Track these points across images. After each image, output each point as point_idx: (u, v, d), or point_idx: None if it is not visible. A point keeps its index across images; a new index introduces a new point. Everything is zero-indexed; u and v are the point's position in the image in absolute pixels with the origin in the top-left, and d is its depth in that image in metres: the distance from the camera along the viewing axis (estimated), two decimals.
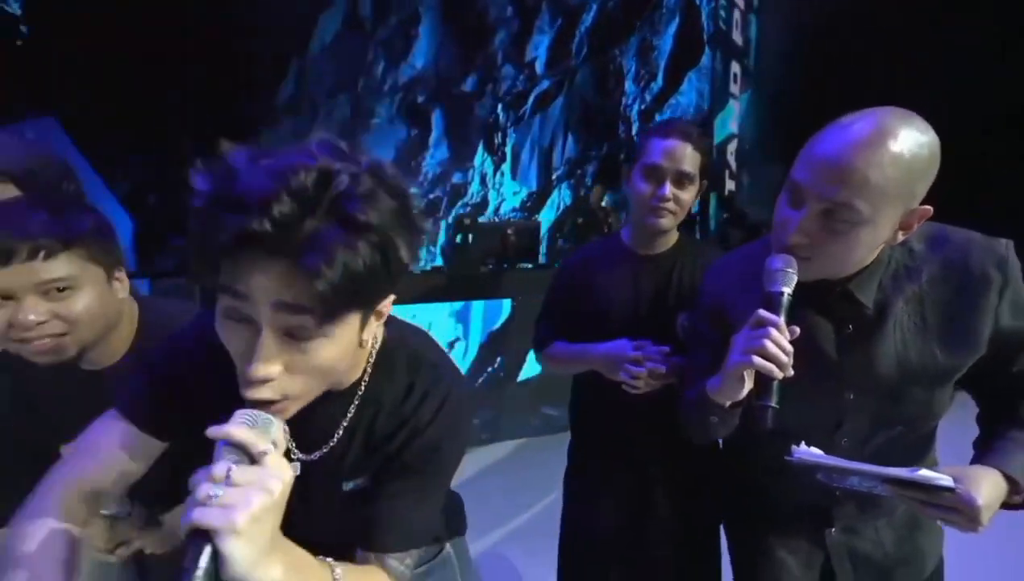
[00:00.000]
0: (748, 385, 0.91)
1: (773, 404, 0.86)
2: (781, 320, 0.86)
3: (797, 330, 0.87)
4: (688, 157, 1.30)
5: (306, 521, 0.68)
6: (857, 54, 4.89)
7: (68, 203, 0.94)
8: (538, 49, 5.97)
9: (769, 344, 0.84)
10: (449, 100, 5.58)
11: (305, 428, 0.76)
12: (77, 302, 0.89)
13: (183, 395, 0.77)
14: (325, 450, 0.79)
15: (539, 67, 6.08)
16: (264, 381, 0.61)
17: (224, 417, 0.58)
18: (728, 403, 0.95)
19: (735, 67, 5.88)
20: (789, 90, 5.40)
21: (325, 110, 4.81)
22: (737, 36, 5.88)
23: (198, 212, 0.57)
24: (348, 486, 0.81)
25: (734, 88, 5.91)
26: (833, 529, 1.08)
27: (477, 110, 5.75)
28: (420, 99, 5.42)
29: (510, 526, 2.89)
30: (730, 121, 6.10)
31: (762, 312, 0.87)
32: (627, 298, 1.40)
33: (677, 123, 1.35)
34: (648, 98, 6.48)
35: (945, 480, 0.81)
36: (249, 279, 0.57)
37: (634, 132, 6.54)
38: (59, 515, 0.69)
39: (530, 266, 4.19)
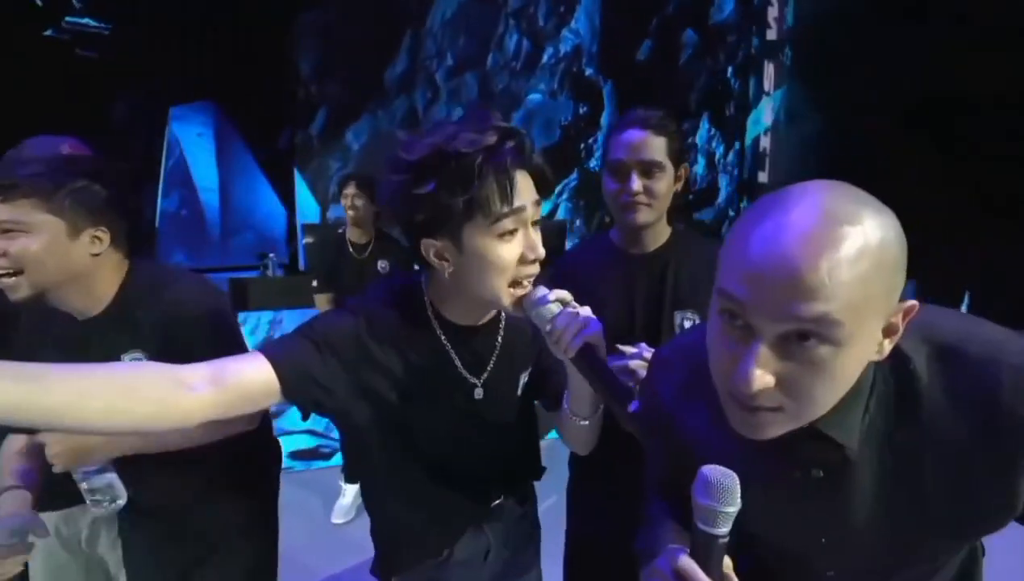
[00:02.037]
0: None
1: None
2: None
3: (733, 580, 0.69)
4: (650, 145, 1.26)
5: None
6: (896, 46, 4.16)
7: (56, 166, 1.02)
8: (725, 10, 4.61)
9: None
10: (620, 71, 4.51)
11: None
12: (27, 245, 1.00)
13: (322, 365, 0.87)
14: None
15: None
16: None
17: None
18: None
19: (767, 62, 5.27)
20: (825, 84, 4.86)
21: (449, 89, 4.19)
22: (771, 33, 5.23)
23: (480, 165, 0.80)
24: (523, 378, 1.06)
25: (767, 84, 5.29)
26: None
27: (659, 80, 4.56)
28: (588, 71, 4.48)
29: None
30: (763, 117, 5.47)
31: (685, 564, 0.67)
32: (622, 302, 1.33)
33: (635, 114, 1.29)
34: None
35: None
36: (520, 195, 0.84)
37: None
38: (146, 368, 0.78)
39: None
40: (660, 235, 1.35)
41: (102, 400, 0.70)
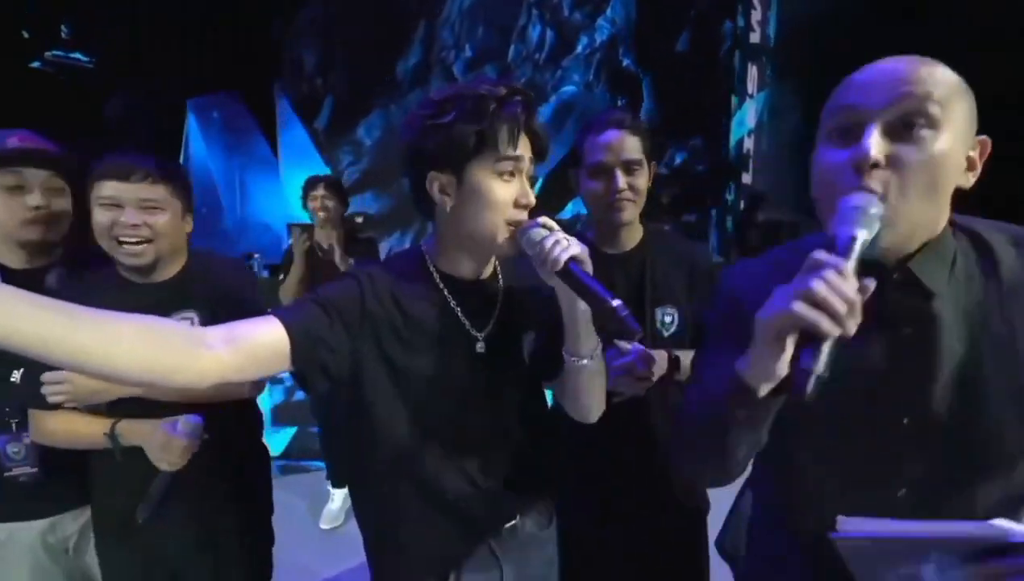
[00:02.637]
0: (789, 352, 0.64)
1: (819, 371, 0.61)
2: (846, 263, 0.63)
3: (872, 284, 0.62)
4: (629, 145, 1.32)
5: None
6: (894, 46, 3.49)
7: (168, 160, 1.30)
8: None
9: (821, 286, 0.61)
10: (659, 63, 4.35)
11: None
12: (161, 219, 1.23)
13: (333, 328, 0.92)
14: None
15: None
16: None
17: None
18: (761, 387, 0.67)
19: (751, 65, 5.19)
20: (818, 85, 4.01)
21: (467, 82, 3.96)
22: (754, 36, 5.19)
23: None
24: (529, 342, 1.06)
25: (751, 87, 5.19)
26: None
27: (699, 72, 4.43)
28: (625, 62, 4.30)
29: None
30: (747, 119, 5.40)
31: (819, 253, 0.64)
32: None
33: (608, 115, 1.36)
34: None
35: None
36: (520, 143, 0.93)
37: None
38: (168, 321, 0.80)
39: None
40: (636, 234, 1.42)
41: (130, 345, 0.70)
